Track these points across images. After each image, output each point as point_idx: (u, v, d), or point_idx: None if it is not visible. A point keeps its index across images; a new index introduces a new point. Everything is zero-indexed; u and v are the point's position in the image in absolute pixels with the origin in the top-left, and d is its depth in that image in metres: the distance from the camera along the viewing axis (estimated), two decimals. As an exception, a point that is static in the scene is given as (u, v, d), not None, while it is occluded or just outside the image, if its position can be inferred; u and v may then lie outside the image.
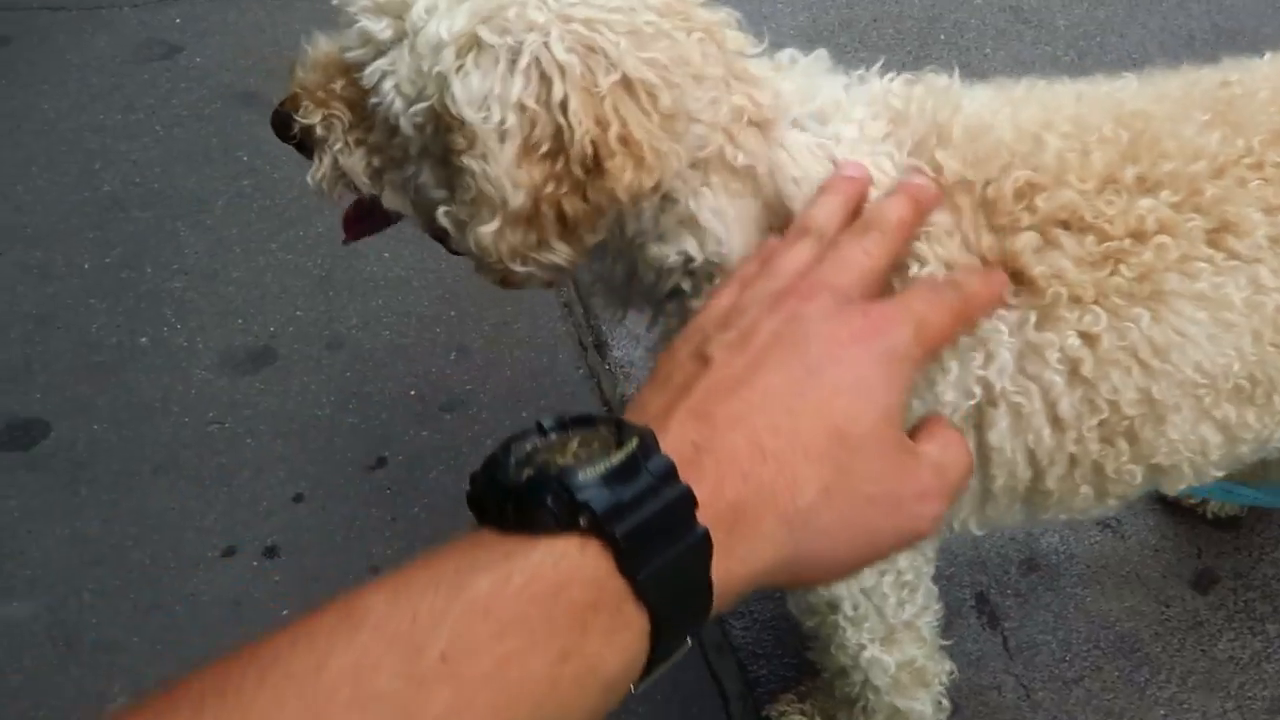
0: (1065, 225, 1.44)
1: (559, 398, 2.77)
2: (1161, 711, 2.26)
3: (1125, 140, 1.47)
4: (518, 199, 1.33)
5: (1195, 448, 1.53)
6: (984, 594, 2.43)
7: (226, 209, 3.20)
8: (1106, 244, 1.43)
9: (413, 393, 2.79)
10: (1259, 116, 1.47)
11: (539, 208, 1.35)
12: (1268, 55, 1.59)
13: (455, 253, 1.64)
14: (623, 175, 1.32)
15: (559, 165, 1.33)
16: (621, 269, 1.57)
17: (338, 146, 1.47)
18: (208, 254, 3.09)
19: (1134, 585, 2.44)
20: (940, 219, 1.41)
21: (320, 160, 1.48)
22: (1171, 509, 2.54)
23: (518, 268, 1.41)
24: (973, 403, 1.47)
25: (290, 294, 3.00)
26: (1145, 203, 1.43)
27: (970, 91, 1.56)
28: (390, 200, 1.49)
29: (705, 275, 1.47)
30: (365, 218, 1.67)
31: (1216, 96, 1.52)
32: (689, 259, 1.46)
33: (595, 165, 1.32)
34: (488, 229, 1.36)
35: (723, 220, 1.44)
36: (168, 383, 2.81)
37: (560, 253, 1.40)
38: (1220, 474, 1.65)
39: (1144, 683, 2.30)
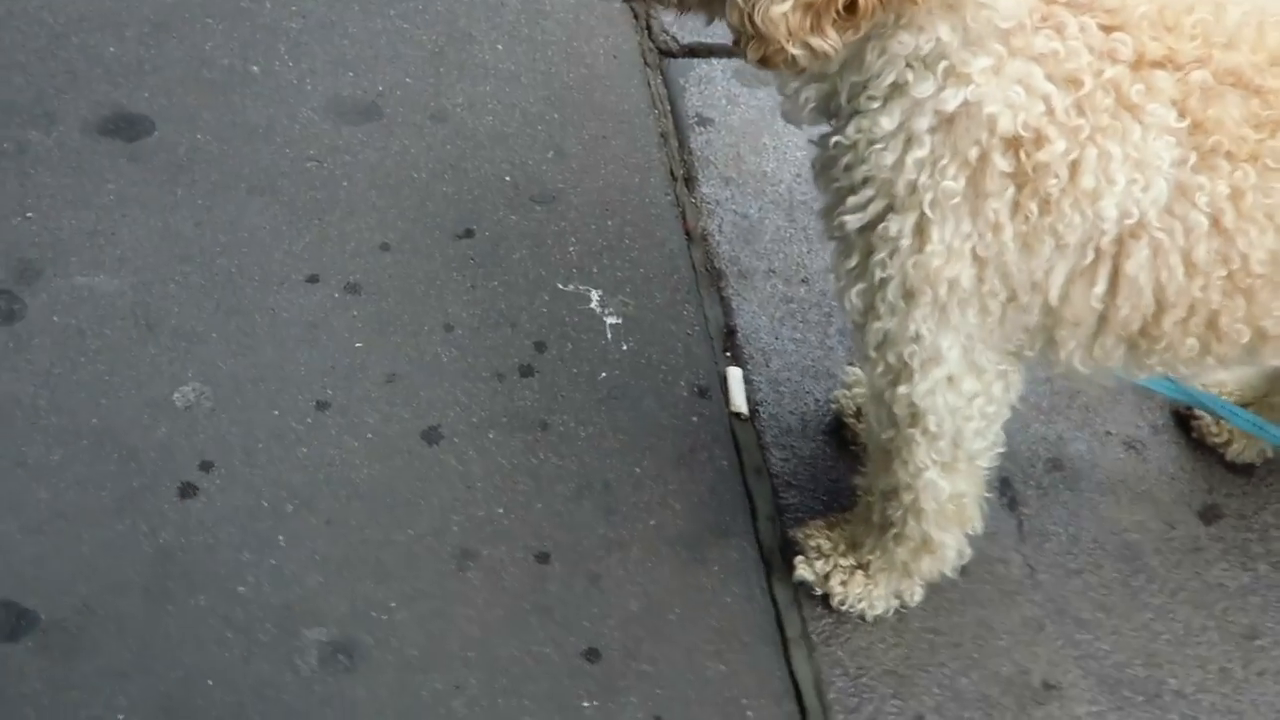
0: (1234, 84, 1.58)
1: (644, 217, 2.87)
2: (1149, 615, 2.43)
3: None
4: None
5: None
6: (1009, 480, 2.57)
7: (350, -33, 3.24)
8: (1268, 110, 1.57)
9: (507, 179, 2.87)
10: None
11: None
12: None
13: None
14: None
15: None
16: (836, 62, 1.68)
17: None
18: (327, 4, 3.13)
19: (1146, 503, 2.59)
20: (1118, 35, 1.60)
21: None
22: (1195, 445, 2.68)
23: (791, 48, 1.52)
24: (1130, 221, 1.61)
25: (402, 60, 3.06)
26: None
27: None
28: None
29: (932, 61, 1.60)
30: None
31: None
32: (941, 42, 1.58)
33: None
34: (779, 8, 1.48)
35: None
36: (273, 113, 2.87)
37: (831, 40, 1.53)
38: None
39: (1138, 588, 2.46)
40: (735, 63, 3.25)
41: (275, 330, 2.50)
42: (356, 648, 2.14)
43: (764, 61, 1.60)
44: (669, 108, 3.17)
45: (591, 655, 2.20)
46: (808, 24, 1.53)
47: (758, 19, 1.53)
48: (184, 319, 2.48)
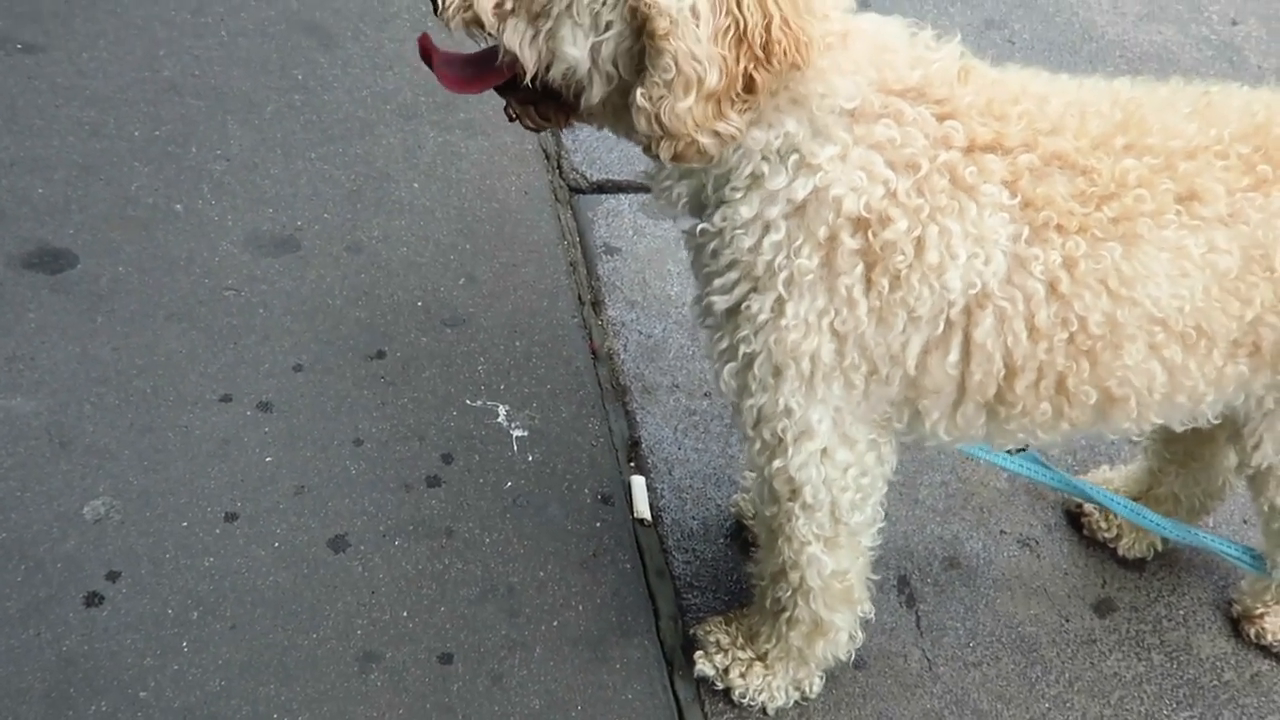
0: (1060, 165, 1.73)
1: (551, 339, 2.98)
2: (1046, 705, 2.48)
3: (1118, 117, 1.78)
4: (714, 76, 1.61)
5: (1143, 380, 1.80)
6: (906, 578, 2.65)
7: (275, 115, 3.41)
8: (1093, 187, 1.72)
9: (419, 304, 2.99)
10: (1230, 116, 1.78)
11: (730, 83, 1.62)
12: (1245, 87, 1.89)
13: (532, 118, 1.86)
14: (791, 52, 1.63)
15: (744, 46, 1.62)
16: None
17: None
18: (250, 149, 3.29)
19: (1041, 598, 2.67)
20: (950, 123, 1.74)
21: None
22: (1088, 541, 2.77)
23: (701, 138, 1.67)
24: (974, 292, 1.73)
25: (321, 198, 3.20)
26: (1129, 162, 1.72)
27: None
28: (510, 39, 1.71)
29: (785, 155, 1.74)
30: (460, 77, 1.88)
31: (1198, 98, 1.83)
32: (789, 134, 1.73)
33: (766, 48, 1.62)
34: (684, 104, 1.63)
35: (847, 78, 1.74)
36: (193, 247, 2.99)
37: (734, 123, 1.68)
38: (1159, 421, 1.91)
39: (1035, 679, 2.52)
40: (642, 197, 3.42)
41: (187, 447, 2.57)
42: (256, 749, 2.15)
43: (677, 157, 1.73)
44: (578, 239, 3.32)
45: (492, 752, 2.22)
46: (710, 112, 1.66)
47: (665, 118, 1.66)
48: (97, 437, 2.54)
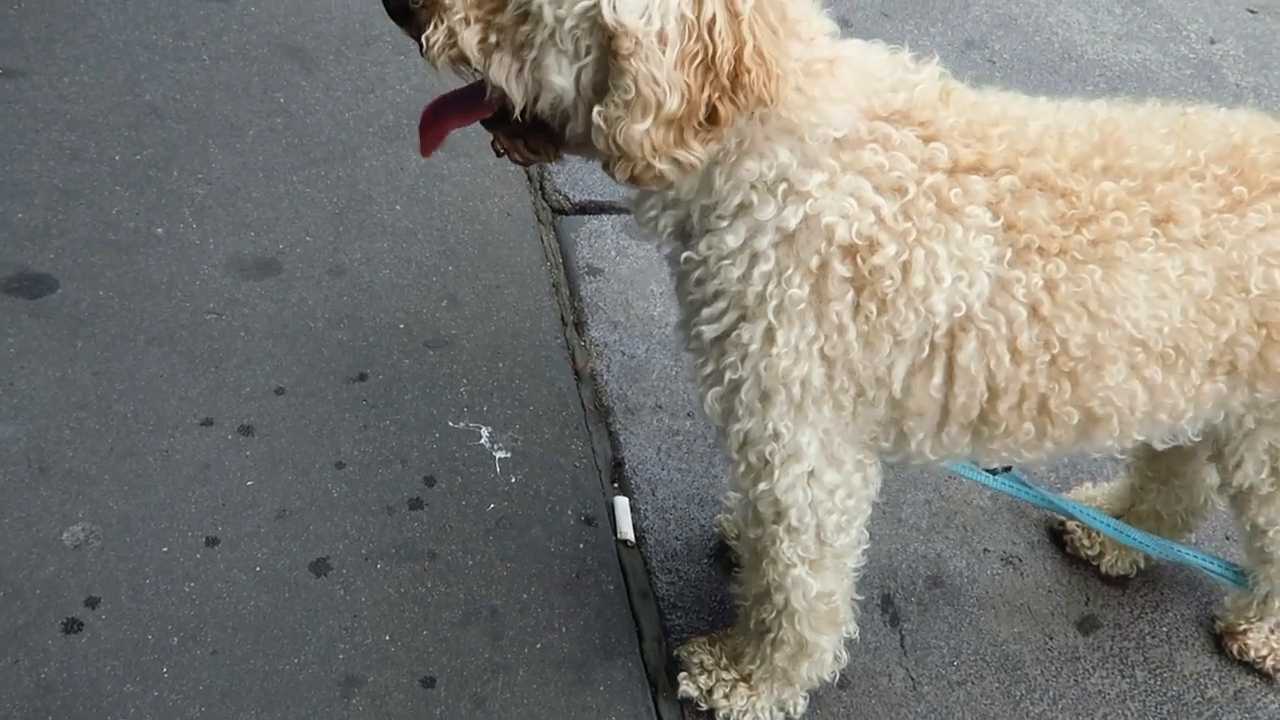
0: (1040, 188, 1.74)
1: (534, 360, 2.98)
2: (1031, 724, 2.48)
3: (1096, 139, 1.79)
4: (674, 102, 1.59)
5: (1125, 400, 1.81)
6: (890, 596, 2.65)
7: (257, 138, 3.41)
8: (1073, 210, 1.72)
9: (401, 326, 2.98)
10: (1207, 138, 1.79)
11: (691, 110, 1.60)
12: (1222, 107, 1.91)
13: (521, 152, 1.85)
14: (759, 85, 1.61)
15: (710, 74, 1.60)
16: (691, 183, 1.81)
17: (458, 17, 1.67)
18: (232, 172, 3.29)
19: (1024, 615, 2.66)
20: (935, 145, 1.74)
21: (437, 27, 1.68)
22: (1071, 559, 2.78)
23: (657, 163, 1.65)
24: (958, 315, 1.73)
25: (303, 221, 3.20)
26: (1107, 185, 1.73)
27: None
28: (496, 74, 1.69)
29: (774, 184, 1.74)
30: (443, 115, 1.87)
31: (1174, 119, 1.84)
32: (781, 164, 1.74)
33: (735, 77, 1.61)
34: (640, 127, 1.62)
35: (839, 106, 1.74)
36: (175, 270, 2.98)
37: (695, 152, 1.66)
38: (1141, 439, 1.92)
39: (1019, 697, 2.51)
40: (625, 218, 3.42)
41: (168, 471, 2.55)
42: (237, 776, 2.14)
43: (634, 179, 1.70)
44: (561, 260, 3.32)
45: (475, 776, 2.21)
46: (670, 139, 1.64)
47: (619, 139, 1.64)
48: (77, 462, 2.53)
